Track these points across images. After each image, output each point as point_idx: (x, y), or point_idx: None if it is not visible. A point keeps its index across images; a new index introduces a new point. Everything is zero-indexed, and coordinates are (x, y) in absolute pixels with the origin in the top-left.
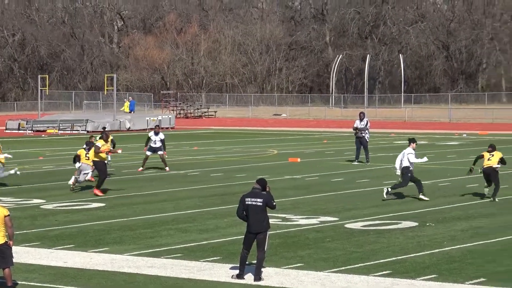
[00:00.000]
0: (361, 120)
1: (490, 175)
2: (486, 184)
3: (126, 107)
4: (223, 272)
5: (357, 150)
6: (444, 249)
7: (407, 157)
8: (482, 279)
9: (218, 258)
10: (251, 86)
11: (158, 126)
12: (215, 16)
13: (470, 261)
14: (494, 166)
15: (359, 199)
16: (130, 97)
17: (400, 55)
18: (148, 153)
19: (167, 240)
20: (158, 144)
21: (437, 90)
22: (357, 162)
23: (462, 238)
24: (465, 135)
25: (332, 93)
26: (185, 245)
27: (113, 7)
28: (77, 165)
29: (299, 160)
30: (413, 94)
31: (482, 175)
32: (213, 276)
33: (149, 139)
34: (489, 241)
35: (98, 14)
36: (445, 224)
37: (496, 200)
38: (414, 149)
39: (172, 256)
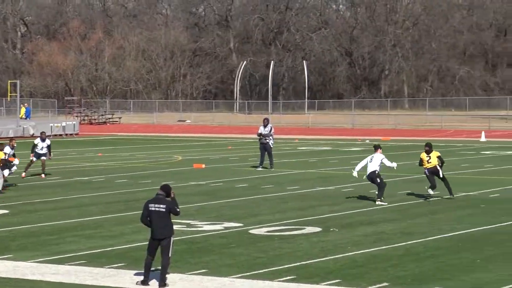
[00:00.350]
0: (265, 126)
1: (436, 173)
2: (430, 185)
3: (22, 113)
4: (128, 278)
5: (261, 156)
6: (348, 254)
7: (381, 161)
8: (385, 284)
9: (123, 264)
10: (156, 92)
11: (45, 132)
12: (120, 22)
13: (373, 266)
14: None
15: (264, 205)
16: (25, 104)
17: (304, 61)
18: (34, 159)
19: (72, 246)
20: (44, 151)
21: (340, 96)
22: (261, 168)
23: (366, 243)
24: (368, 141)
25: (236, 99)
26: (89, 252)
27: (16, 13)
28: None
29: (204, 166)
30: (316, 100)
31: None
32: (117, 283)
33: (35, 145)
34: (392, 245)
35: (1, 20)
36: (349, 229)
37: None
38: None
39: (76, 262)
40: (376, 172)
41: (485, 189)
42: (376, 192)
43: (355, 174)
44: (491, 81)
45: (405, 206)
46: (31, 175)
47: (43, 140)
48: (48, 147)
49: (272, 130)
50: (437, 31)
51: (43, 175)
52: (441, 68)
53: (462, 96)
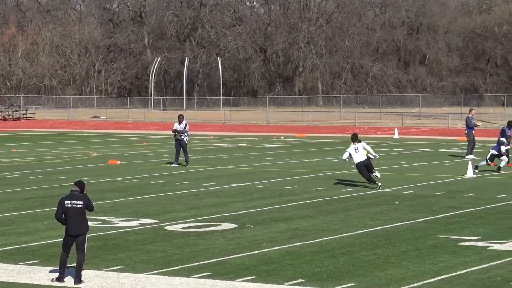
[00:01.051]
0: (180, 122)
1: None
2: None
3: None
4: (43, 275)
5: (177, 153)
6: (263, 250)
7: (367, 149)
8: (300, 280)
9: (38, 261)
10: (70, 88)
11: None
12: (33, 17)
13: (288, 262)
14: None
15: (179, 201)
16: None
17: (218, 58)
18: None
19: None
20: None
21: (255, 93)
22: (176, 164)
23: (281, 240)
24: (282, 137)
25: (151, 96)
26: (3, 248)
27: None
28: None
29: (119, 162)
30: (231, 97)
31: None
32: (32, 279)
33: None
34: (307, 242)
35: None
36: (264, 225)
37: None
38: None
39: None
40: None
41: (399, 186)
42: (376, 176)
43: (345, 158)
44: (403, 79)
45: (319, 203)
46: None
47: None
48: None
49: (187, 127)
50: (350, 28)
51: None
52: (355, 65)
53: (375, 93)
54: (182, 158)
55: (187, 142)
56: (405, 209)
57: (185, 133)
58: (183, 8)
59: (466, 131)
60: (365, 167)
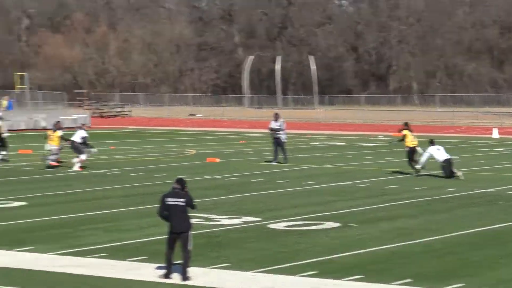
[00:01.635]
0: (276, 120)
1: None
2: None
3: (3, 105)
4: (150, 271)
5: (275, 151)
6: (369, 249)
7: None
8: (408, 280)
9: (144, 258)
10: (164, 85)
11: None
12: (123, 15)
13: (395, 262)
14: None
15: (281, 199)
16: (7, 97)
17: (310, 56)
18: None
19: (91, 239)
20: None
21: (349, 91)
22: (275, 162)
23: (387, 239)
24: (380, 136)
25: (245, 94)
26: (109, 245)
27: (19, 5)
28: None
29: (218, 160)
30: (326, 96)
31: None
32: (140, 276)
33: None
34: (412, 242)
35: (4, 12)
36: (369, 224)
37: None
38: None
39: (97, 255)
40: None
41: (502, 186)
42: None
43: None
44: (499, 78)
45: (421, 202)
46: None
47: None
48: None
49: (284, 125)
50: (441, 27)
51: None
52: (448, 64)
53: (471, 92)
54: (281, 156)
55: (284, 140)
56: (509, 209)
57: (282, 131)
58: (272, 7)
59: None
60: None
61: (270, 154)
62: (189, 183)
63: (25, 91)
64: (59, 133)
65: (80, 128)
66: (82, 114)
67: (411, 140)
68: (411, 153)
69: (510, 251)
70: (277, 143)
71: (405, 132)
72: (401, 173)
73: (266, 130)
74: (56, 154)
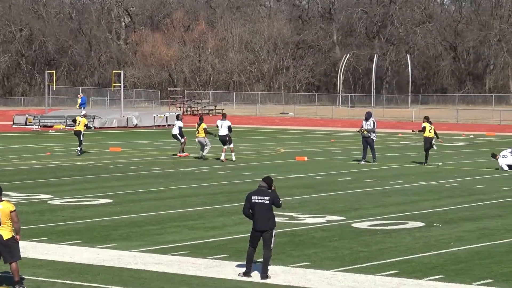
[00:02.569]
0: (366, 120)
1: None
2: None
3: (78, 103)
4: (230, 269)
5: (364, 150)
6: (451, 249)
7: None
8: (489, 280)
9: (225, 256)
10: (258, 84)
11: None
12: (223, 14)
13: (477, 262)
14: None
15: (366, 198)
16: (81, 94)
17: (408, 55)
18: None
19: (174, 237)
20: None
21: (444, 91)
22: (364, 161)
23: (469, 239)
24: (472, 136)
25: (339, 93)
26: (191, 242)
27: (121, 4)
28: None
29: (306, 159)
30: (420, 95)
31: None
32: (220, 274)
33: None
34: (495, 242)
35: (106, 10)
36: (452, 224)
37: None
38: None
39: (179, 253)
40: None
41: None
42: None
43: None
44: None
45: (508, 203)
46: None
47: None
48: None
49: (375, 124)
50: None
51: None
52: None
53: None
54: (369, 155)
55: (374, 140)
56: None
57: (373, 132)
58: (373, 5)
59: None
60: None
61: (359, 153)
62: (276, 181)
63: (120, 89)
64: (204, 125)
65: (177, 119)
66: (174, 112)
67: (428, 131)
68: (427, 143)
69: None
70: (367, 142)
71: (424, 124)
72: (491, 173)
73: (357, 129)
74: (206, 145)
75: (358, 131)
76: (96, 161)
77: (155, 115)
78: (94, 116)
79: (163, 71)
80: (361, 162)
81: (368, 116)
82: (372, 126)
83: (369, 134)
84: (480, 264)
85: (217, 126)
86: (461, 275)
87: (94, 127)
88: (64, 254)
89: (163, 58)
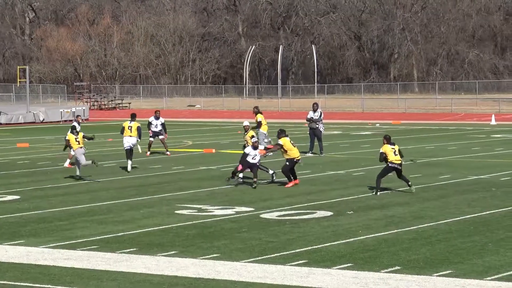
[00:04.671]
0: (314, 111)
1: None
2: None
3: None
4: (140, 263)
5: (311, 142)
6: (359, 238)
7: None
8: (397, 267)
9: (134, 249)
10: (165, 77)
11: (158, 111)
12: (128, 7)
13: (385, 250)
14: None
15: (274, 189)
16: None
17: (313, 45)
18: (152, 138)
19: (83, 232)
20: (159, 128)
21: (350, 80)
22: (311, 153)
23: (377, 227)
24: (378, 124)
25: (245, 84)
26: (101, 237)
27: None
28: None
29: (214, 151)
30: (326, 85)
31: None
32: (129, 268)
33: (150, 123)
34: (403, 229)
35: (9, 6)
36: (360, 213)
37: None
38: None
39: (88, 248)
40: None
41: (496, 172)
42: None
43: None
44: (500, 64)
45: (417, 190)
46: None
47: (157, 118)
48: (162, 125)
49: (322, 115)
50: (446, 14)
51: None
52: (450, 51)
53: (471, 79)
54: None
55: (322, 131)
56: (503, 195)
57: (320, 122)
58: None
59: None
60: None
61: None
62: (184, 173)
63: (25, 85)
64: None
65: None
66: (80, 107)
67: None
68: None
69: (499, 237)
70: (315, 133)
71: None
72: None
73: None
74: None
75: (307, 120)
76: (3, 158)
77: (62, 110)
78: (0, 112)
79: (69, 65)
80: (308, 154)
81: (316, 107)
82: (319, 116)
83: (317, 125)
84: (388, 251)
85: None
86: (369, 263)
87: (1, 124)
88: None
89: (69, 52)
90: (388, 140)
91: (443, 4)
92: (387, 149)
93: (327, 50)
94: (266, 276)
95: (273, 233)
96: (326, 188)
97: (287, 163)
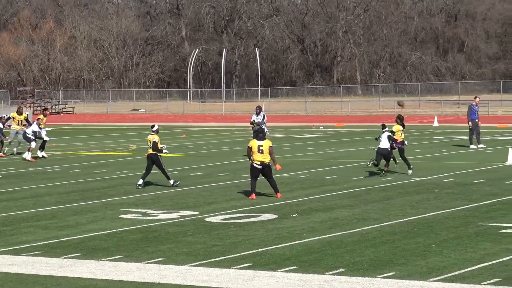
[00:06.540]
0: (257, 114)
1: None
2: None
3: None
4: (85, 268)
5: None
6: (303, 240)
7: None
8: (341, 269)
9: (79, 254)
10: (109, 81)
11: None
12: (71, 11)
13: (329, 252)
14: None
15: (219, 192)
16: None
17: (256, 49)
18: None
19: (27, 237)
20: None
21: (293, 83)
22: None
23: (321, 229)
24: (322, 127)
25: (189, 88)
26: (45, 242)
27: None
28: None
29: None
30: (269, 88)
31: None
32: (74, 273)
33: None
34: (347, 231)
35: None
36: (304, 216)
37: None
38: None
39: (32, 253)
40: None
41: (439, 174)
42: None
43: None
44: (442, 67)
45: (359, 192)
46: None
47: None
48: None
49: (265, 118)
50: (388, 17)
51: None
52: (393, 54)
53: (414, 81)
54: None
55: (267, 133)
56: (445, 197)
57: (264, 125)
58: (220, 0)
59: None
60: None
61: (212, 148)
62: (129, 178)
63: None
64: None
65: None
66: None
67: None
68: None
69: (442, 239)
70: None
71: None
72: (341, 163)
73: (209, 124)
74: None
75: (251, 124)
76: None
77: (5, 115)
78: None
79: (12, 70)
80: None
81: (259, 111)
82: (262, 119)
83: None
84: (333, 253)
85: None
86: (314, 265)
87: None
88: None
89: (11, 57)
90: (401, 120)
91: (385, 7)
92: (399, 128)
93: (270, 53)
94: (211, 279)
95: (218, 237)
96: (271, 191)
97: None
